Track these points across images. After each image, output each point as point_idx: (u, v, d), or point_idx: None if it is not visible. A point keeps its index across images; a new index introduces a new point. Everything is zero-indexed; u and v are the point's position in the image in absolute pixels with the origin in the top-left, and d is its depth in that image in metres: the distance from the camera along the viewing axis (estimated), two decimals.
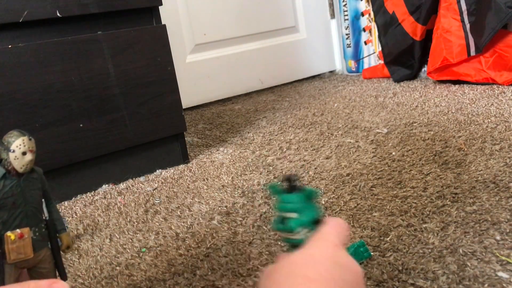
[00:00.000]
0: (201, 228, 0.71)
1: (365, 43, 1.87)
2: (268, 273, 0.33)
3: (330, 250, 0.33)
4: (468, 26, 1.35)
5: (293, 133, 1.15)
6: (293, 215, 0.35)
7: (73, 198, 0.91)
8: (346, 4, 1.89)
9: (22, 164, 0.37)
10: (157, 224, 0.74)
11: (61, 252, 0.41)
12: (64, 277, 0.40)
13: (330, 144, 1.02)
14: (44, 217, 0.39)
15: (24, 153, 0.36)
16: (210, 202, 0.80)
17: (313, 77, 2.01)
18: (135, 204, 0.84)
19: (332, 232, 0.35)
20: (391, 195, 0.72)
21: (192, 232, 0.70)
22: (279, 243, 0.62)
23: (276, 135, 1.16)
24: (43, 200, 0.39)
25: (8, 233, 0.36)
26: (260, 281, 0.34)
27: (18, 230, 0.36)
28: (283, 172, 0.88)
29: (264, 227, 0.68)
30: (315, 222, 0.35)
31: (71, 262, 0.66)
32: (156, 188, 0.91)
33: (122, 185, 0.95)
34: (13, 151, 0.36)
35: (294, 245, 0.36)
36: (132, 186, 0.94)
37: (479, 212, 0.62)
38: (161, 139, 1.01)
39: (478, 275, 0.49)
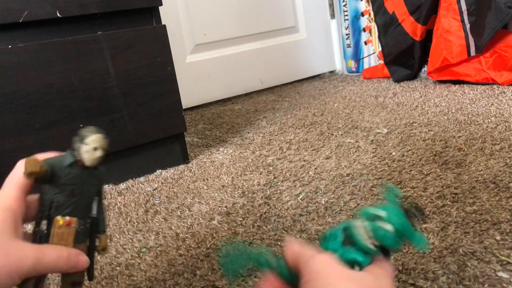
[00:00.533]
0: (201, 228, 0.71)
1: (365, 43, 1.87)
2: (321, 269, 0.32)
3: (386, 280, 0.32)
4: (468, 26, 1.35)
5: (293, 133, 1.15)
6: (389, 227, 0.33)
7: None
8: (346, 4, 1.89)
9: (91, 158, 0.38)
10: (157, 224, 0.74)
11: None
12: (91, 277, 0.40)
13: (330, 144, 1.02)
14: (91, 214, 0.40)
15: (95, 149, 0.38)
16: (210, 202, 0.80)
17: (313, 77, 2.01)
18: (135, 204, 0.84)
19: (386, 276, 0.34)
20: None
21: (192, 232, 0.70)
22: (279, 243, 0.62)
23: (276, 135, 1.16)
24: (96, 197, 0.40)
25: (58, 218, 0.37)
26: (312, 265, 0.32)
27: (67, 217, 0.37)
28: (283, 173, 0.88)
29: (264, 227, 0.68)
30: (386, 250, 0.34)
31: None
32: (156, 188, 0.91)
33: (122, 185, 0.95)
34: (86, 144, 0.38)
35: (350, 240, 0.34)
36: (132, 186, 0.94)
37: (479, 212, 0.62)
38: (161, 139, 1.01)
39: (478, 275, 0.49)
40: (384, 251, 0.34)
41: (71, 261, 0.36)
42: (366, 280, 0.31)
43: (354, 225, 0.35)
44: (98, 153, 0.38)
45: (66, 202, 0.38)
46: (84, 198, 0.39)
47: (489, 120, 1.00)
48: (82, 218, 0.39)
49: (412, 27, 1.52)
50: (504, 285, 0.47)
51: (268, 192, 0.80)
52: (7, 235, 0.34)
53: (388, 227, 0.33)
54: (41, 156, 0.38)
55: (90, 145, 0.38)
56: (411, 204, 0.35)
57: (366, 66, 1.89)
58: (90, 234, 0.40)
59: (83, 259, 0.37)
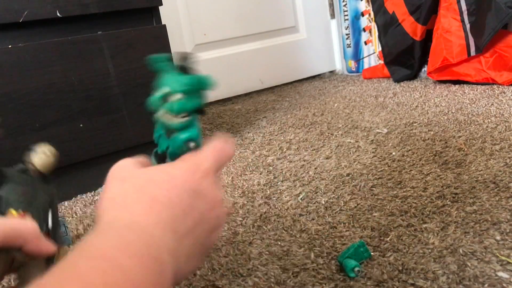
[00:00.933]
0: None
1: (365, 43, 1.87)
2: (124, 173, 0.32)
3: (195, 177, 0.31)
4: (468, 26, 1.35)
5: (293, 133, 1.15)
6: (179, 96, 0.33)
7: (73, 198, 0.91)
8: (346, 4, 1.89)
9: (41, 161, 0.41)
10: None
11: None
12: None
13: (330, 144, 1.02)
14: (48, 225, 0.40)
15: (45, 153, 0.42)
16: None
17: (313, 77, 2.01)
18: None
19: (208, 158, 0.33)
20: (391, 195, 0.72)
21: None
22: (279, 243, 0.62)
23: (276, 135, 1.16)
24: (49, 209, 0.41)
25: (12, 210, 0.36)
26: (113, 174, 0.33)
27: (21, 210, 0.37)
28: (283, 172, 0.88)
29: (264, 227, 0.68)
30: (197, 111, 0.34)
31: None
32: None
33: None
34: (36, 152, 0.42)
35: (169, 129, 0.34)
36: None
37: (479, 212, 0.62)
38: None
39: (478, 275, 0.49)
40: (197, 111, 0.34)
41: (38, 236, 0.32)
42: (149, 176, 0.31)
43: (159, 117, 0.35)
44: (49, 158, 0.41)
45: (18, 198, 0.38)
46: (37, 200, 0.39)
47: (489, 120, 1.00)
48: (37, 220, 0.37)
49: (412, 27, 1.52)
50: (504, 285, 0.47)
51: (268, 192, 0.80)
52: None
53: (179, 96, 0.33)
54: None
55: (40, 150, 0.41)
56: (182, 57, 0.35)
57: (366, 66, 1.89)
58: None
59: (50, 243, 0.33)
